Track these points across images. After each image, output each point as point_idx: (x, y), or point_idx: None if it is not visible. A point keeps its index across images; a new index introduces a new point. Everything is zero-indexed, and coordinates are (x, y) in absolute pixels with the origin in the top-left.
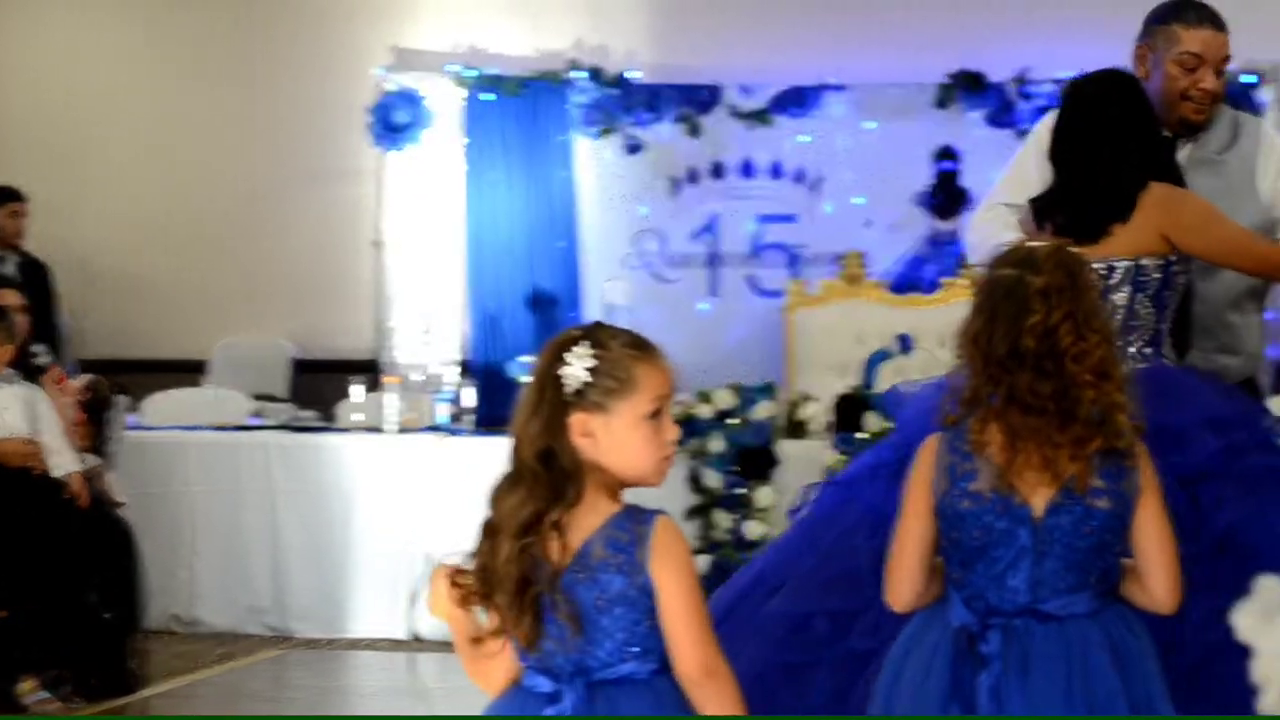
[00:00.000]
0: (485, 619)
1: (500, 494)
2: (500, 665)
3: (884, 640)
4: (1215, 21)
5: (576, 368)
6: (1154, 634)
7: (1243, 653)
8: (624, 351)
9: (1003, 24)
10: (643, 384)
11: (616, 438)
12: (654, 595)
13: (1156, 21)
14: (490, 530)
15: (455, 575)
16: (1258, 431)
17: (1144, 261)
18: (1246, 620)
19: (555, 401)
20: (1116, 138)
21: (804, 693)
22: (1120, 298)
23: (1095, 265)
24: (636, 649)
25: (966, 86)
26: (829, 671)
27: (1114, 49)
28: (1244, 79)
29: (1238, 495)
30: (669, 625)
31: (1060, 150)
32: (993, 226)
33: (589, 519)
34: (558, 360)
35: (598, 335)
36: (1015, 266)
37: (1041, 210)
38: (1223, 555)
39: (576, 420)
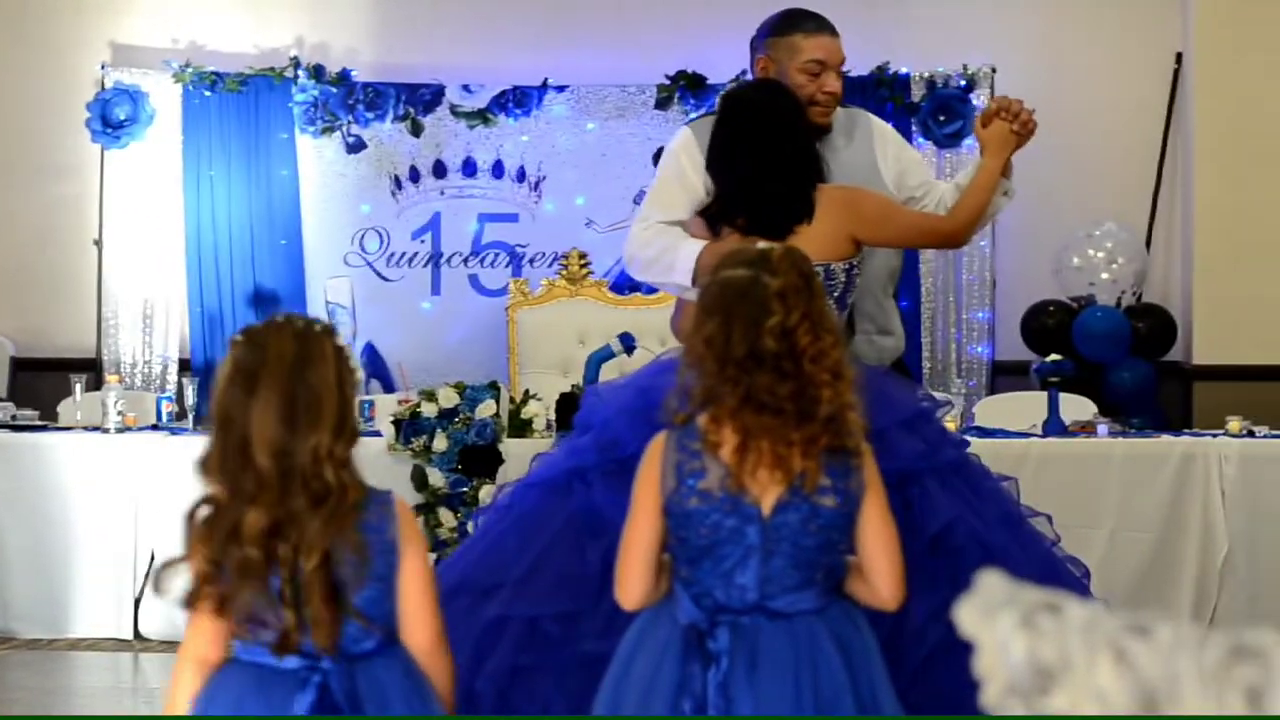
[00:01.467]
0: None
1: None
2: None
3: (616, 642)
4: (830, 28)
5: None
6: (879, 632)
7: (965, 648)
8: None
9: (722, 26)
10: None
11: None
12: (397, 570)
13: (774, 34)
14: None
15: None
16: (936, 422)
17: (833, 266)
18: (969, 615)
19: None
20: (783, 140)
21: (535, 695)
22: None
23: None
24: (380, 624)
25: (687, 88)
26: (560, 674)
27: None
28: (958, 83)
29: (940, 493)
30: (411, 597)
31: (725, 157)
32: (668, 240)
33: (341, 525)
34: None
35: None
36: (749, 267)
37: (718, 215)
38: (936, 555)
39: None
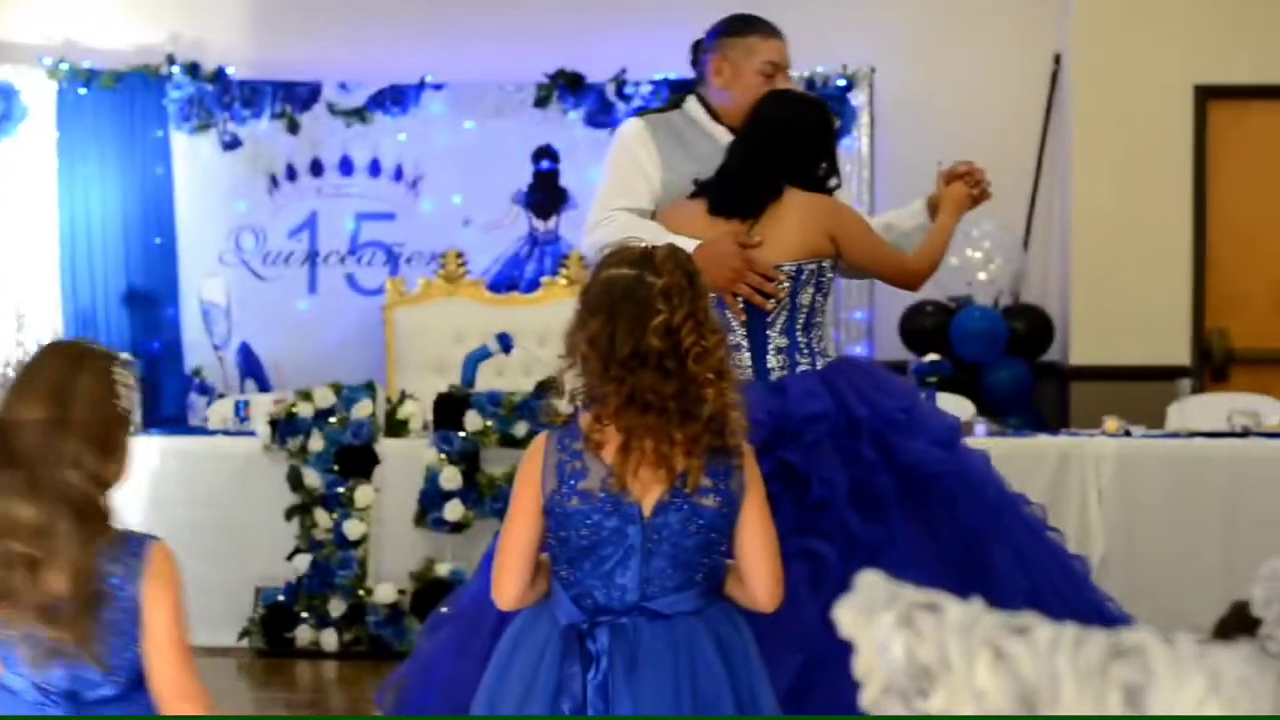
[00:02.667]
0: None
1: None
2: None
3: None
4: (780, 32)
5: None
6: (789, 628)
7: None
8: None
9: (601, 25)
10: None
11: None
12: (142, 620)
13: (730, 35)
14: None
15: None
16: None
17: (824, 263)
18: (848, 615)
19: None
20: (770, 135)
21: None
22: (805, 297)
23: (785, 267)
24: (122, 672)
25: (565, 86)
26: None
27: None
28: (837, 83)
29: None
30: (157, 647)
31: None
32: (634, 229)
33: (88, 544)
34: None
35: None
36: (633, 266)
37: (700, 187)
38: (854, 558)
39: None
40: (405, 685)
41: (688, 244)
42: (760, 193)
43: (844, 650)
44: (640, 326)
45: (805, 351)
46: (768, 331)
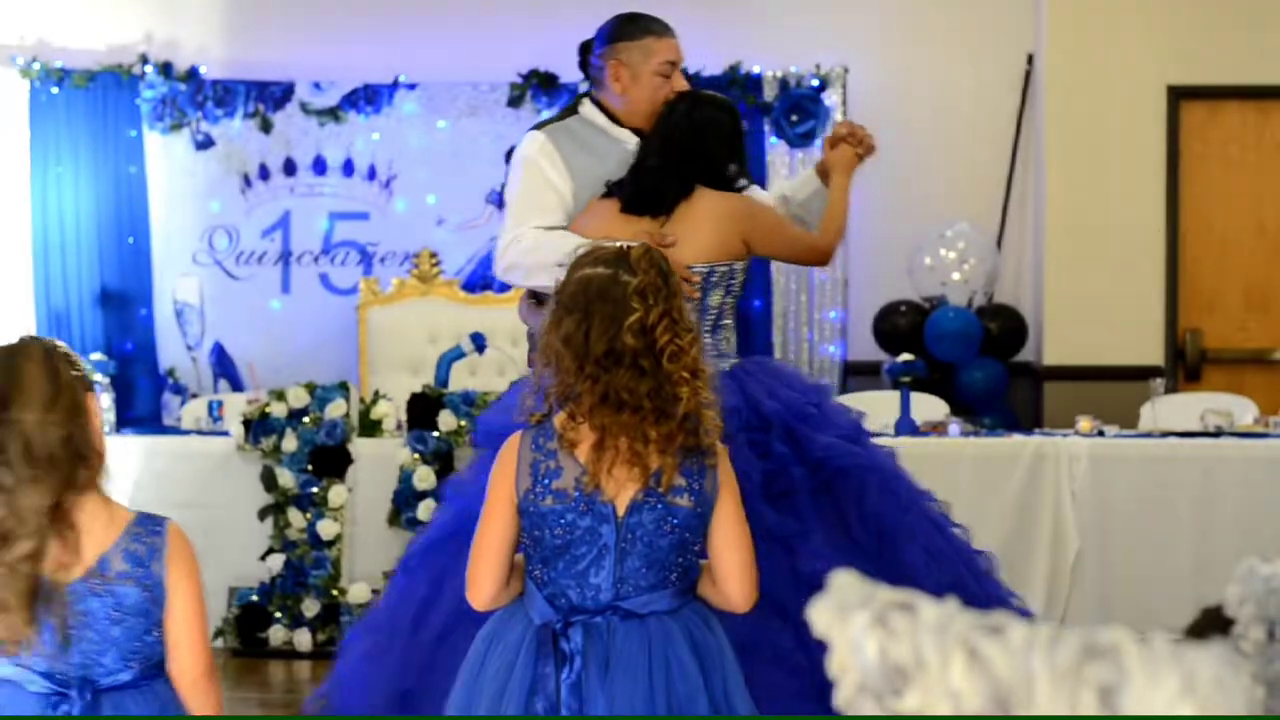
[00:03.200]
0: None
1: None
2: None
3: None
4: (670, 28)
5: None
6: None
7: (973, 583)
8: None
9: (574, 24)
10: None
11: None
12: (164, 603)
13: (623, 38)
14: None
15: None
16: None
17: (735, 265)
18: (822, 616)
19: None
20: (682, 135)
21: None
22: (715, 299)
23: (697, 268)
24: (138, 657)
25: (539, 86)
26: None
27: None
28: (811, 83)
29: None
30: (180, 628)
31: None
32: (553, 240)
33: (103, 530)
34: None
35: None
36: (608, 265)
37: (612, 187)
38: (770, 550)
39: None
40: (328, 702)
41: (583, 240)
42: (673, 190)
43: (767, 636)
44: (615, 325)
45: (713, 353)
46: None
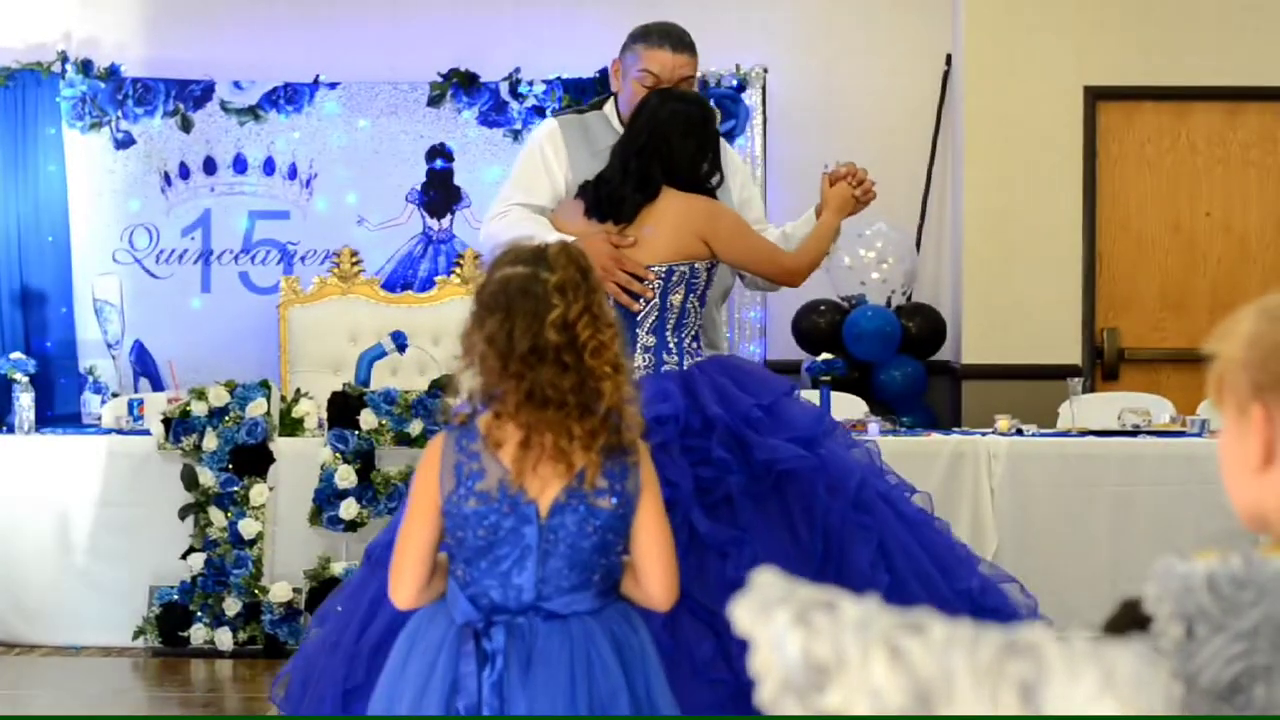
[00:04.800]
0: None
1: None
2: None
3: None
4: (676, 44)
5: None
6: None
7: (907, 590)
8: None
9: (495, 24)
10: None
11: None
12: None
13: (629, 40)
14: None
15: None
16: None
17: (696, 264)
18: (745, 614)
19: None
20: (647, 138)
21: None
22: (677, 298)
23: (655, 268)
24: None
25: (459, 85)
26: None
27: (602, 52)
28: (730, 83)
29: (844, 452)
30: None
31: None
32: (522, 225)
33: None
34: None
35: None
36: (527, 264)
37: (578, 191)
38: (860, 510)
39: None
40: (290, 679)
41: (561, 238)
42: (634, 198)
43: (686, 649)
44: (538, 321)
45: (673, 351)
46: (636, 330)
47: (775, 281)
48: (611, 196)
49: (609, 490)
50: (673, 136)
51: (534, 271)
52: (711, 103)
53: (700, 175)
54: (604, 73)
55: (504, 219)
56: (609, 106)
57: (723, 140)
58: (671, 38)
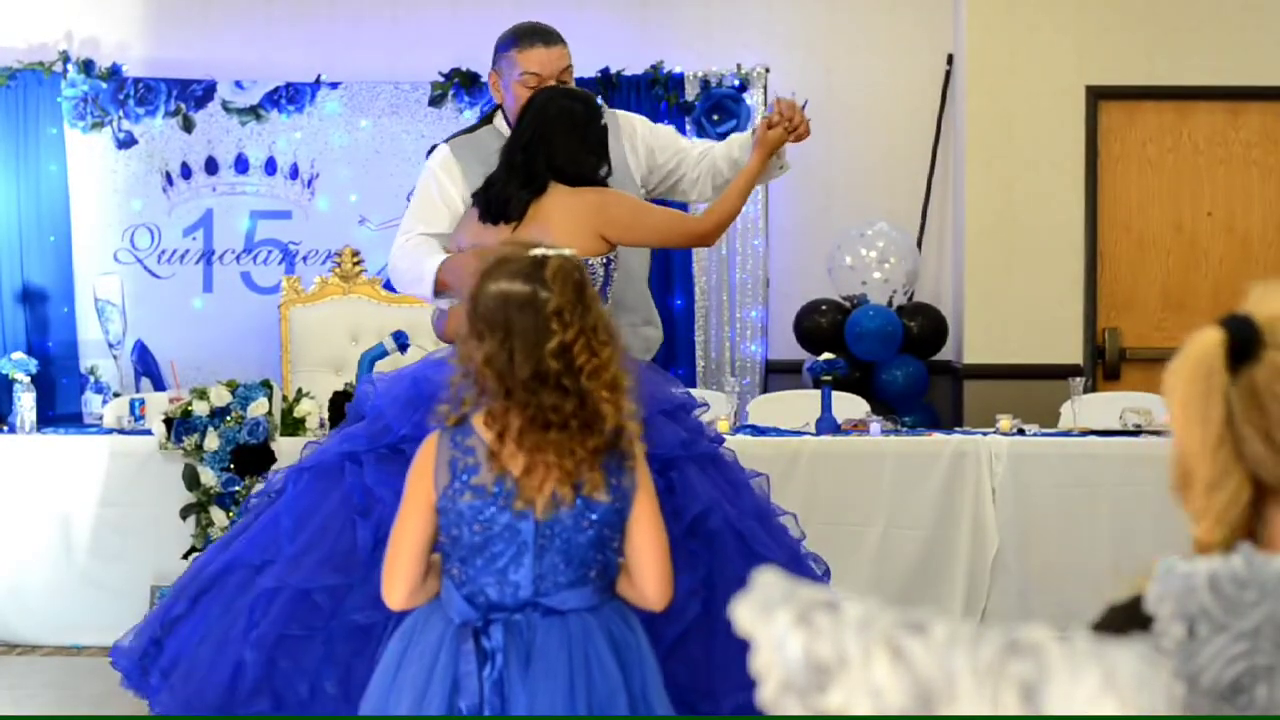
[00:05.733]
0: None
1: None
2: None
3: (387, 614)
4: (548, 40)
5: None
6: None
7: (719, 623)
8: None
9: (496, 24)
10: None
11: None
12: None
13: (499, 50)
14: None
15: None
16: (694, 416)
17: (591, 261)
18: (747, 614)
19: None
20: (529, 137)
21: (303, 662)
22: None
23: None
24: None
25: (460, 85)
26: (329, 643)
27: (603, 52)
28: (731, 83)
29: (699, 480)
30: None
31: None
32: (419, 253)
33: None
34: None
35: None
36: (526, 281)
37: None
38: (695, 538)
39: None
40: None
41: (436, 259)
42: (520, 194)
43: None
44: (538, 348)
45: None
46: None
47: (687, 247)
48: (499, 197)
49: (605, 485)
50: (557, 132)
51: (533, 291)
52: (599, 99)
53: (586, 168)
54: (605, 72)
55: (401, 250)
56: (498, 119)
57: (616, 112)
58: (541, 34)
